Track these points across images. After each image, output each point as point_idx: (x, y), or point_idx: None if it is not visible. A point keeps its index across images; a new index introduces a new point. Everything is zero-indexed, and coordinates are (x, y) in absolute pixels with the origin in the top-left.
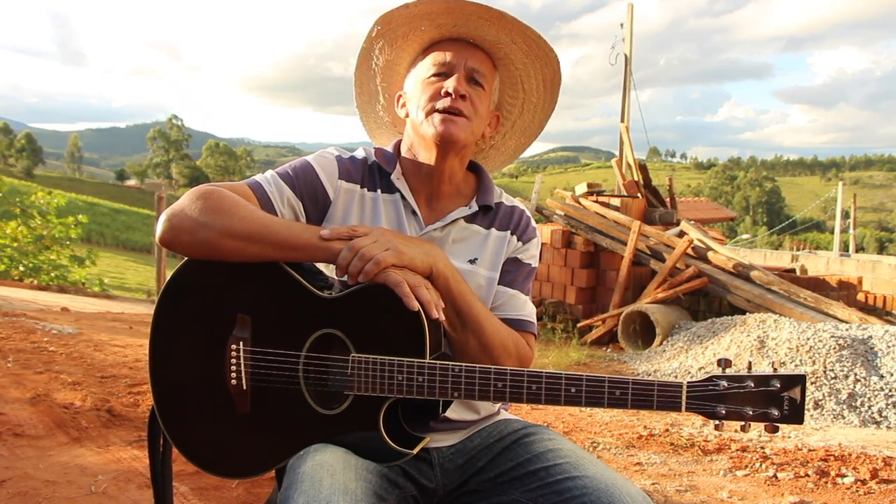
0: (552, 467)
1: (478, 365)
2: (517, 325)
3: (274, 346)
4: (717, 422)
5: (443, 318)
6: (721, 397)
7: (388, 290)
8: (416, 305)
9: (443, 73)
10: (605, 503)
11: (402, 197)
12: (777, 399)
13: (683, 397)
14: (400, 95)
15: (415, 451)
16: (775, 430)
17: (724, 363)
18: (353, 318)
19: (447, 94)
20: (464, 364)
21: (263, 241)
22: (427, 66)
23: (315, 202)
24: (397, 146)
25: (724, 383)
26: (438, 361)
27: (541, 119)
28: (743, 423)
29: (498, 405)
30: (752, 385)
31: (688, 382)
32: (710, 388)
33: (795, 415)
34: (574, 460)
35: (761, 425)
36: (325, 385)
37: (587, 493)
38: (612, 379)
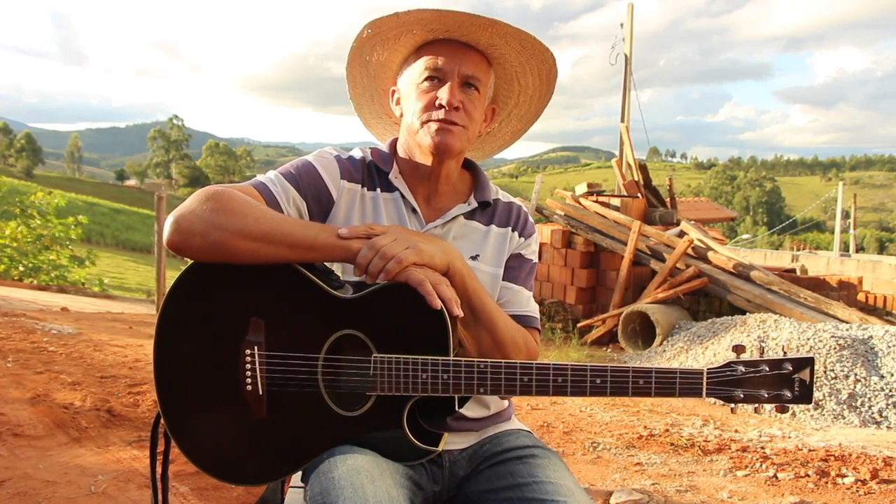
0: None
1: (503, 360)
2: (523, 321)
3: (290, 349)
4: (733, 405)
5: (462, 314)
6: (738, 382)
7: (410, 288)
8: (439, 304)
9: (436, 79)
10: None
11: (402, 195)
12: (789, 381)
13: (704, 383)
14: (394, 91)
15: (440, 448)
16: (785, 410)
17: (738, 349)
18: (373, 317)
19: (441, 105)
20: (488, 360)
21: (279, 241)
22: (420, 69)
23: (318, 202)
24: (393, 145)
25: (742, 368)
26: (463, 358)
27: (537, 107)
28: (757, 405)
29: (507, 402)
30: (767, 369)
31: (708, 369)
32: (729, 373)
33: (805, 395)
34: None
35: (773, 406)
36: (345, 387)
37: None
38: (636, 369)
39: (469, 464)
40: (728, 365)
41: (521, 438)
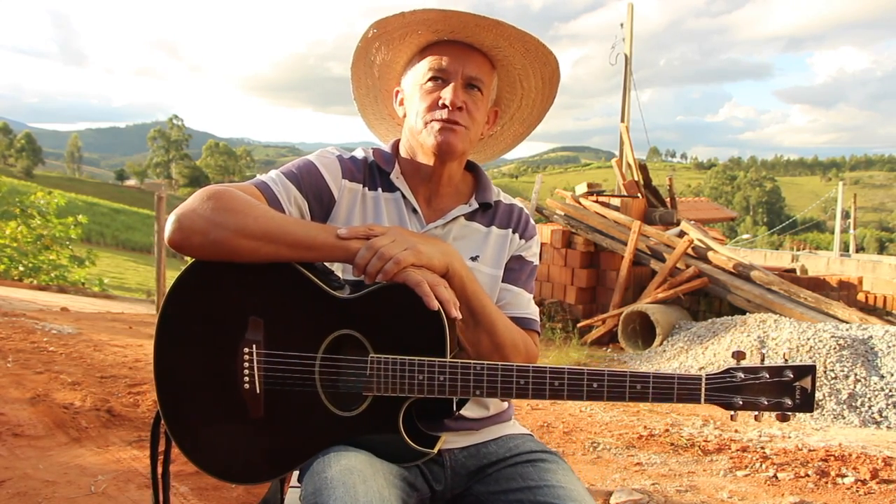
0: None
1: (499, 363)
2: (522, 323)
3: (288, 348)
4: (732, 412)
5: (460, 316)
6: (738, 388)
7: (408, 289)
8: (436, 305)
9: (440, 80)
10: None
11: (403, 196)
12: (790, 388)
13: (702, 389)
14: (398, 91)
15: (435, 451)
16: (786, 418)
17: (738, 355)
18: (370, 318)
19: (444, 105)
20: (485, 362)
21: (279, 240)
22: (424, 69)
23: (320, 202)
24: (395, 146)
25: (741, 375)
26: (459, 360)
27: (540, 111)
28: (757, 412)
29: (507, 403)
30: (767, 376)
31: (706, 375)
32: (728, 379)
33: (806, 403)
34: None
35: (774, 415)
36: (342, 386)
37: None
38: (633, 373)
39: (473, 463)
40: (727, 371)
41: (528, 443)
